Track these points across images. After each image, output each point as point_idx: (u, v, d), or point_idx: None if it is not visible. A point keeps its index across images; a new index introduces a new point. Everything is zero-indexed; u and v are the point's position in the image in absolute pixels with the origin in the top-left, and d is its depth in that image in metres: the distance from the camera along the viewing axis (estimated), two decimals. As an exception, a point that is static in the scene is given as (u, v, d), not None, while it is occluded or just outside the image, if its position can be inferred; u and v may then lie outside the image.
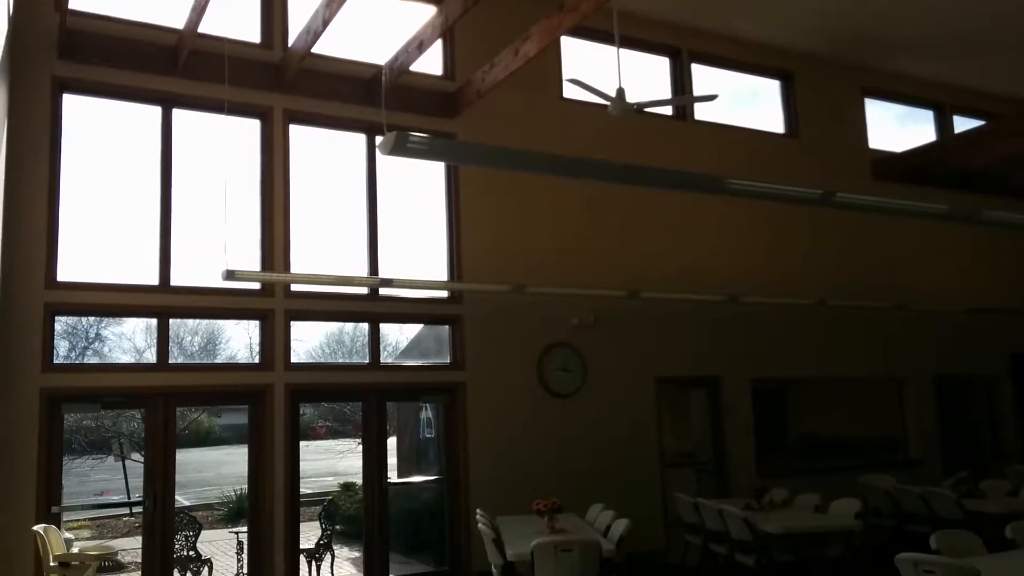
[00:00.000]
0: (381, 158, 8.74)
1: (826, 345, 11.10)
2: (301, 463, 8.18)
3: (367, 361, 8.51)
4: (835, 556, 7.01)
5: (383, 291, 8.56)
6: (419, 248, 9.08)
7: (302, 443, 8.30)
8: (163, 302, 7.61)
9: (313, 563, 8.45)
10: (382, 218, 8.74)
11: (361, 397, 8.62)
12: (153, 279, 7.65)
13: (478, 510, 7.34)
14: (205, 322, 13.05)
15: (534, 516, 6.90)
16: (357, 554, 9.65)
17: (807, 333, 10.94)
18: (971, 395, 12.43)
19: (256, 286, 8.01)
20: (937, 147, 11.66)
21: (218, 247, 7.15)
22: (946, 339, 11.99)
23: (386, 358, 8.66)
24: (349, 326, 9.93)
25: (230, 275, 6.87)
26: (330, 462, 19.01)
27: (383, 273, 8.52)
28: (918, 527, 8.38)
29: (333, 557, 8.90)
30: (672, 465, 11.90)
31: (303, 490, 9.83)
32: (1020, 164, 11.60)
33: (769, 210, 10.82)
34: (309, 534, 8.92)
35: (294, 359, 8.08)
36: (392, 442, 11.96)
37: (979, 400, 12.43)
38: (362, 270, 8.55)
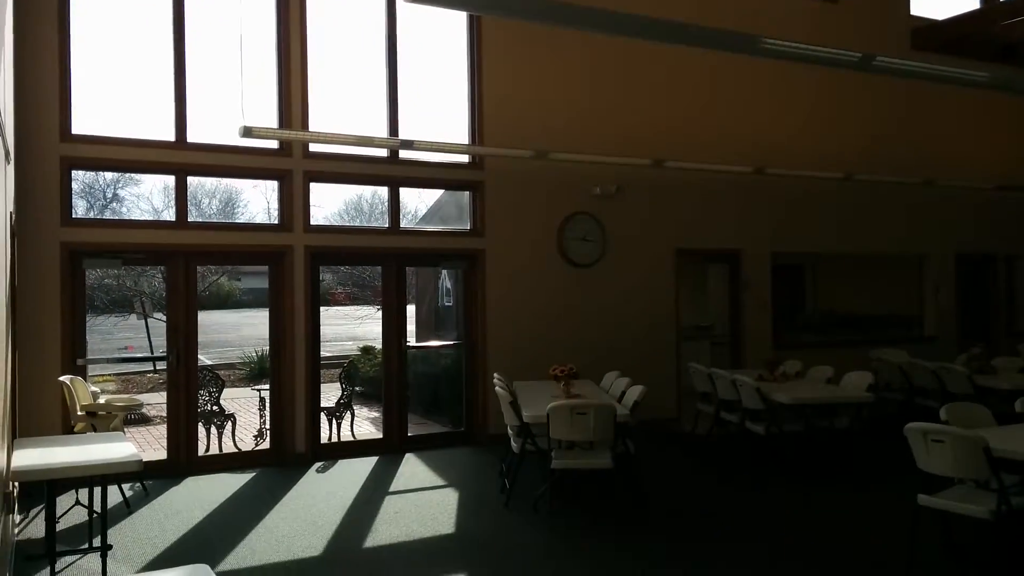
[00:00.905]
0: (402, 10, 8.41)
1: (849, 220, 10.98)
2: (324, 327, 8.30)
3: (387, 226, 8.48)
4: (844, 427, 7.14)
5: (403, 154, 8.42)
6: (440, 111, 8.86)
7: (323, 308, 8.39)
8: (180, 159, 7.52)
9: (333, 421, 8.73)
10: (403, 78, 8.48)
11: (380, 262, 8.64)
12: (169, 135, 7.54)
13: (496, 374, 7.47)
14: (223, 185, 12.98)
15: (550, 381, 7.04)
16: (376, 414, 9.97)
17: (830, 208, 10.80)
18: (991, 273, 12.35)
19: (274, 145, 7.89)
20: (979, 15, 11.08)
21: (235, 105, 7.01)
22: (970, 216, 11.84)
23: (406, 224, 8.60)
24: (368, 193, 9.87)
25: (247, 132, 6.75)
26: (350, 327, 19.40)
27: (403, 135, 8.35)
28: (928, 401, 8.51)
29: (353, 416, 9.20)
30: (689, 338, 12.07)
31: (324, 354, 10.06)
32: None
33: (798, 81, 10.47)
34: (330, 394, 9.19)
35: (313, 223, 8.07)
36: (411, 309, 12.12)
37: (998, 278, 12.35)
38: (382, 132, 8.39)
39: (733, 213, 10.17)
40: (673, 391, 9.82)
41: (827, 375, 7.90)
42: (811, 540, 5.39)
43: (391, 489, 6.95)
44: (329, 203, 9.05)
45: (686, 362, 9.31)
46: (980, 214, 11.92)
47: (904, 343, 10.91)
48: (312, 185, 8.05)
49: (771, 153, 10.01)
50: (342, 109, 8.35)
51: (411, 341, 9.38)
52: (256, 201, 8.28)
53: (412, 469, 7.68)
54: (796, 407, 7.05)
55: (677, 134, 9.65)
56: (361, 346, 12.87)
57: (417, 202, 9.67)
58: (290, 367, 7.92)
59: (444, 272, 10.58)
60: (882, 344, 10.63)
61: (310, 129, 7.93)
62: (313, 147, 8.01)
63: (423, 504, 6.45)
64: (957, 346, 11.29)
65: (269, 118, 7.92)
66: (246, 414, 10.48)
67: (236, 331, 21.12)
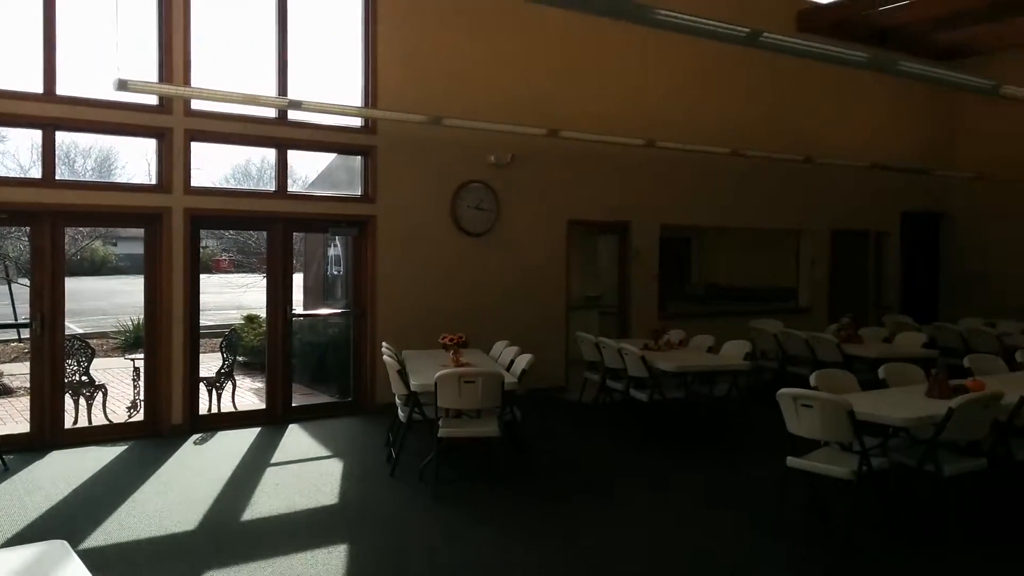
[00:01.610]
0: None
1: (733, 195, 11.35)
2: (205, 295, 7.96)
3: (273, 189, 8.18)
4: (722, 394, 7.41)
5: (292, 116, 8.11)
6: (333, 72, 8.59)
7: (206, 276, 8.03)
8: (48, 112, 7.00)
9: (213, 391, 8.43)
10: (293, 37, 8.14)
11: (266, 226, 8.33)
12: (37, 87, 7.00)
13: (384, 343, 7.37)
14: (98, 144, 12.21)
15: (440, 350, 6.98)
16: (260, 384, 9.67)
17: (716, 183, 11.13)
18: (862, 249, 13.05)
19: (153, 100, 7.45)
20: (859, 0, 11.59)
21: (110, 56, 6.56)
22: (845, 194, 12.44)
23: (294, 188, 8.31)
24: (256, 159, 9.49)
25: (122, 85, 6.33)
26: (235, 295, 18.73)
27: (292, 95, 8.04)
28: (801, 369, 8.92)
29: (234, 386, 8.90)
30: (578, 308, 12.25)
31: (207, 322, 9.65)
32: (939, 22, 11.69)
33: (690, 57, 10.68)
34: (211, 364, 8.85)
35: (194, 185, 7.68)
36: (299, 277, 11.81)
37: (869, 254, 13.07)
38: (270, 91, 8.04)
39: (624, 185, 10.34)
40: (562, 360, 9.96)
41: (708, 344, 8.16)
42: (688, 500, 5.58)
43: (273, 460, 6.77)
44: (214, 168, 8.64)
45: (575, 332, 9.44)
46: (854, 192, 12.55)
47: (781, 314, 11.41)
48: (197, 146, 7.65)
49: (662, 127, 10.19)
50: (228, 66, 7.96)
51: (297, 309, 9.13)
52: (136, 163, 7.79)
53: (296, 440, 7.50)
54: (678, 375, 7.26)
55: (572, 105, 9.69)
56: (245, 315, 12.46)
57: (308, 169, 9.40)
58: (166, 336, 7.56)
59: (338, 238, 10.32)
60: (760, 315, 11.08)
61: (192, 85, 7.53)
62: (196, 105, 7.61)
63: (306, 475, 6.31)
64: (828, 317, 11.90)
65: (149, 72, 7.46)
66: (120, 385, 9.99)
67: (111, 299, 20.04)
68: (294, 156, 8.29)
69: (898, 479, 5.07)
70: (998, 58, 12.74)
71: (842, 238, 12.71)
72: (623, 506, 5.50)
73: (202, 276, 7.98)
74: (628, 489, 5.93)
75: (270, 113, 8.03)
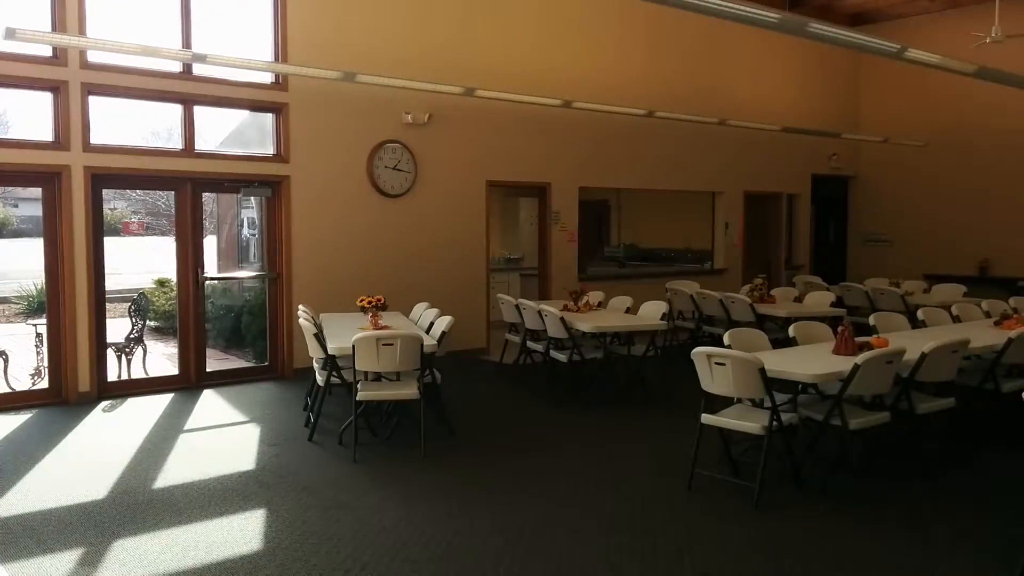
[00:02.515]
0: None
1: (650, 157, 11.47)
2: (115, 259, 7.61)
3: (180, 147, 7.84)
4: (640, 354, 7.53)
5: (199, 71, 7.76)
6: (242, 25, 8.24)
7: (116, 238, 7.68)
8: (-75, 63, 6.52)
9: (123, 357, 8.12)
10: (195, -15, 7.77)
11: (174, 186, 7.99)
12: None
13: (300, 306, 7.20)
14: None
15: (358, 313, 6.88)
16: (174, 350, 9.37)
17: (634, 145, 11.22)
18: (774, 210, 13.41)
19: (46, 52, 7.01)
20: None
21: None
22: (758, 156, 12.73)
23: (203, 147, 7.97)
24: (163, 121, 9.03)
25: (10, 34, 5.91)
26: (146, 260, 18.05)
27: (197, 49, 7.68)
28: (716, 329, 9.16)
29: (145, 352, 8.60)
30: (499, 270, 12.28)
31: (116, 287, 9.23)
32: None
33: (607, 17, 10.68)
34: (122, 330, 8.52)
35: (95, 143, 7.29)
36: (213, 239, 11.43)
37: (780, 216, 13.43)
38: (174, 44, 7.66)
39: (543, 147, 10.31)
40: (483, 322, 9.96)
41: (626, 305, 8.27)
42: (603, 458, 5.68)
43: (186, 427, 6.58)
44: (116, 129, 8.16)
45: (496, 294, 9.44)
46: (767, 154, 12.85)
47: (697, 275, 11.68)
48: (101, 103, 7.26)
49: (579, 87, 10.17)
50: (129, 18, 7.55)
51: (211, 272, 8.84)
52: (36, 121, 7.26)
53: (210, 405, 7.31)
54: (597, 335, 7.34)
55: (490, 64, 9.57)
56: (156, 279, 12.02)
57: (220, 127, 9.01)
58: (69, 300, 7.22)
59: (252, 200, 10.00)
60: (677, 276, 11.31)
61: (88, 36, 7.10)
62: (93, 57, 7.20)
63: (221, 441, 6.16)
64: (742, 278, 12.22)
65: (41, 21, 7.00)
66: (22, 352, 9.52)
67: (12, 263, 19.03)
68: (202, 113, 7.94)
69: (807, 433, 5.26)
70: (904, 23, 13.15)
71: (755, 199, 13.02)
72: (542, 464, 5.55)
73: (111, 239, 7.62)
74: (545, 449, 5.99)
75: (174, 67, 7.66)
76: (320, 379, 6.16)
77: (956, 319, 7.43)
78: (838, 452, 5.34)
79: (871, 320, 6.78)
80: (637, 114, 10.30)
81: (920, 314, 7.23)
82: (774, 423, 4.72)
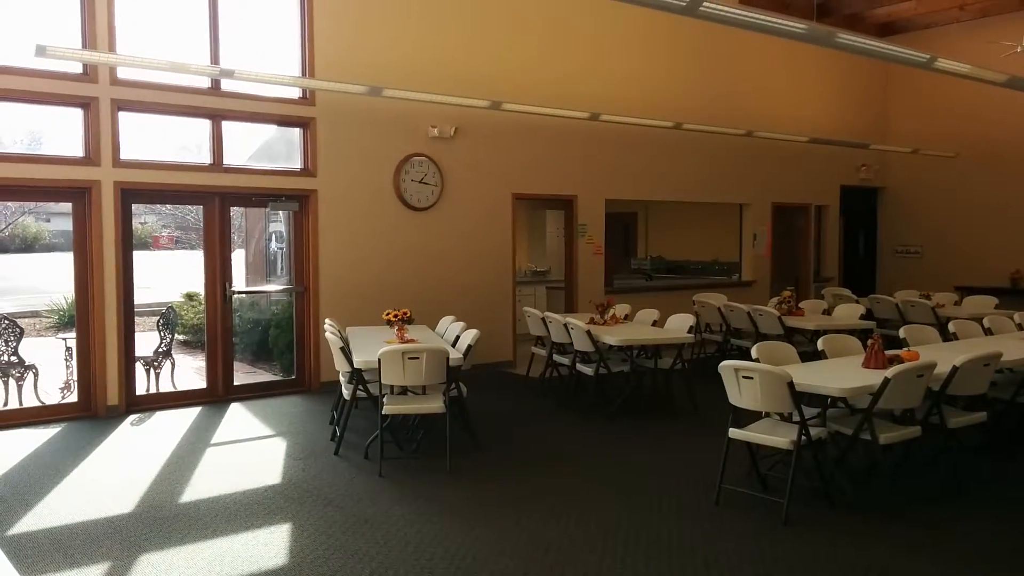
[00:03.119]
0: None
1: (678, 169, 11.41)
2: (144, 273, 7.70)
3: (209, 162, 7.93)
4: (667, 367, 7.47)
5: (227, 86, 7.86)
6: (269, 41, 8.34)
7: (145, 252, 7.78)
8: (-38, 82, 6.66)
9: (152, 371, 8.20)
10: (226, 0, 7.87)
11: (202, 201, 8.09)
12: (-53, 54, 6.65)
13: (327, 319, 7.24)
14: (20, 115, 11.69)
15: (384, 327, 6.90)
16: (201, 363, 9.45)
17: (661, 156, 11.18)
18: (803, 222, 13.27)
19: (77, 68, 7.14)
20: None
21: (29, 21, 6.25)
22: (786, 167, 12.62)
23: (231, 162, 8.06)
24: (192, 136, 9.16)
25: (42, 51, 6.03)
26: (175, 273, 18.28)
27: (225, 64, 7.78)
28: (744, 342, 9.06)
29: (173, 365, 8.68)
30: (525, 283, 12.27)
31: (147, 300, 9.31)
32: None
33: (633, 30, 10.67)
34: (150, 343, 8.61)
35: (124, 158, 7.40)
36: (240, 253, 11.55)
37: (809, 227, 13.30)
38: (202, 60, 7.77)
39: (569, 159, 10.30)
40: (509, 335, 9.94)
41: (653, 318, 8.21)
42: (630, 472, 5.62)
43: (213, 441, 6.62)
44: (155, 141, 8.26)
45: (522, 307, 9.43)
46: (795, 166, 12.74)
47: (724, 287, 11.59)
48: (130, 118, 7.38)
49: (606, 101, 10.16)
50: (157, 33, 7.67)
51: (239, 286, 8.92)
52: (67, 137, 7.36)
53: (237, 419, 7.36)
54: (623, 348, 7.29)
55: (516, 77, 9.59)
56: (185, 292, 12.15)
57: (244, 143, 9.10)
58: (99, 314, 7.31)
59: (280, 214, 10.09)
60: (705, 288, 11.22)
61: (118, 52, 7.22)
62: (123, 73, 7.32)
63: (247, 455, 6.19)
64: (771, 290, 12.10)
65: (71, 38, 7.14)
66: (53, 366, 9.64)
67: (44, 277, 19.38)
68: (230, 128, 8.03)
69: (836, 447, 5.17)
70: (934, 33, 13.00)
71: (783, 210, 12.91)
72: (568, 478, 5.51)
73: (141, 253, 7.72)
74: (572, 463, 5.94)
75: (203, 83, 7.76)
76: (346, 393, 6.18)
77: (988, 331, 7.29)
78: (868, 467, 5.25)
79: (901, 333, 6.67)
80: (664, 126, 10.27)
81: (951, 327, 7.10)
82: (803, 438, 4.65)
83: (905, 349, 5.72)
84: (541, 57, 9.91)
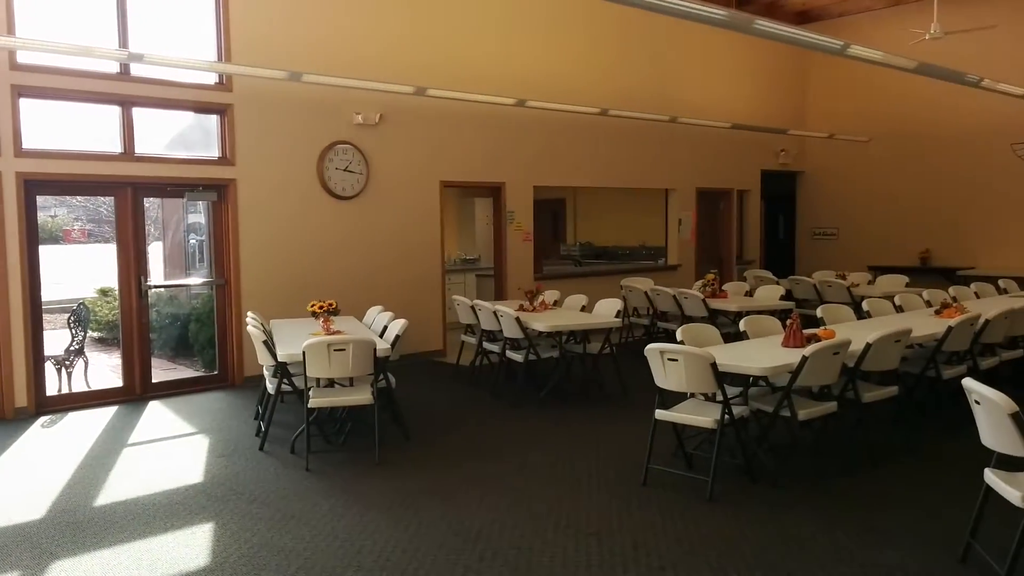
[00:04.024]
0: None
1: (605, 155, 11.50)
2: (55, 268, 7.36)
3: (119, 151, 7.61)
4: (595, 351, 7.53)
5: (136, 71, 7.55)
6: (182, 23, 8.04)
7: (56, 247, 7.44)
8: None
9: (63, 370, 7.87)
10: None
11: (113, 192, 7.76)
12: None
13: (249, 312, 7.05)
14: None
15: (309, 319, 6.76)
16: (118, 361, 9.12)
17: (588, 143, 11.24)
18: (726, 206, 13.55)
19: (-30, 55, 6.75)
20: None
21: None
22: (709, 153, 12.85)
23: (143, 151, 7.75)
24: (101, 124, 8.79)
25: (-70, 37, 5.68)
26: (89, 268, 17.58)
27: (135, 48, 7.46)
28: (670, 325, 9.21)
29: (87, 364, 8.35)
30: (454, 271, 12.20)
31: (58, 296, 8.92)
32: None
33: (560, 15, 10.68)
34: (62, 342, 8.26)
35: (27, 147, 7.04)
36: (159, 247, 11.17)
37: (731, 211, 13.58)
38: (111, 44, 7.44)
39: (497, 146, 10.27)
40: (439, 324, 9.88)
41: (581, 304, 8.26)
42: (560, 457, 5.65)
43: (131, 441, 6.39)
44: (62, 129, 7.87)
45: (452, 295, 9.37)
46: (718, 151, 12.98)
47: (651, 272, 11.75)
48: (33, 105, 7.02)
49: (532, 86, 10.15)
50: (61, 15, 7.31)
51: (156, 280, 8.63)
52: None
53: (157, 417, 7.12)
54: (552, 334, 7.32)
55: (441, 63, 9.48)
56: (99, 288, 11.69)
57: (163, 129, 8.78)
58: (3, 312, 6.96)
59: (199, 204, 9.76)
60: (632, 273, 11.36)
61: (17, 36, 6.86)
62: (23, 58, 6.95)
63: (167, 454, 5.99)
64: (695, 273, 12.34)
65: (-36, 21, 6.75)
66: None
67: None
68: (142, 115, 7.73)
69: (758, 425, 5.30)
70: (847, 21, 13.39)
71: (707, 195, 13.14)
72: (499, 466, 5.50)
73: (50, 247, 7.37)
74: (500, 449, 5.94)
75: (111, 68, 7.44)
76: (271, 387, 6.03)
77: (899, 309, 7.57)
78: (788, 443, 5.40)
79: (818, 312, 6.86)
80: (590, 112, 10.32)
81: (865, 305, 7.35)
82: (726, 417, 4.74)
83: (822, 328, 5.89)
84: (467, 42, 9.83)
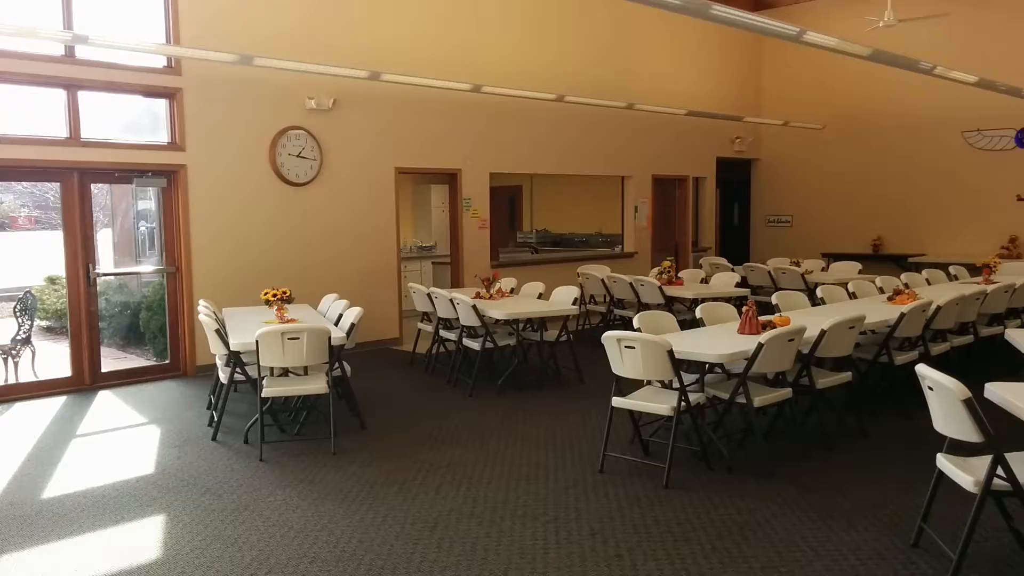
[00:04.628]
0: None
1: (561, 142, 11.48)
2: (1, 256, 7.11)
3: (65, 135, 7.38)
4: (552, 339, 7.54)
5: (82, 53, 7.32)
6: (130, 4, 7.81)
7: (1, 233, 7.19)
8: None
9: (10, 360, 7.66)
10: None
11: (59, 178, 7.53)
12: None
13: (201, 301, 6.92)
14: None
15: (263, 307, 6.65)
16: (67, 350, 8.89)
17: (545, 129, 11.21)
18: (682, 193, 13.65)
19: (-95, 34, 6.48)
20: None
21: None
22: (666, 140, 12.92)
23: (90, 135, 7.53)
24: (46, 108, 8.52)
25: None
26: (37, 255, 17.08)
27: (80, 30, 7.23)
28: (627, 312, 9.26)
29: (34, 353, 8.13)
30: (410, 258, 12.12)
31: (4, 284, 8.65)
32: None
33: (515, 1, 10.61)
34: (8, 331, 8.03)
35: (-34, 129, 6.81)
36: (108, 234, 10.90)
37: (687, 198, 13.68)
38: (55, 25, 7.20)
39: (453, 132, 10.19)
40: (395, 312, 9.81)
41: (538, 291, 8.26)
42: (517, 445, 5.65)
43: (80, 431, 6.24)
44: (6, 113, 7.59)
45: (408, 283, 9.30)
46: (674, 139, 13.05)
47: (608, 259, 11.80)
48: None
49: (488, 72, 10.08)
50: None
51: (105, 267, 8.42)
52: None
53: (107, 407, 6.96)
54: (509, 322, 7.31)
55: (396, 47, 9.37)
56: (47, 276, 11.37)
57: (111, 113, 8.54)
58: (-55, 301, 6.73)
59: (149, 191, 9.51)
60: (589, 260, 11.39)
61: (-46, 15, 6.60)
62: (-39, 38, 6.70)
63: (117, 444, 5.86)
64: (652, 260, 12.42)
65: None
66: None
67: None
68: (89, 99, 7.50)
69: (714, 412, 5.35)
70: (802, 8, 13.54)
71: (663, 183, 13.22)
72: (456, 454, 5.49)
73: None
74: (461, 438, 5.92)
75: (56, 50, 7.20)
76: (223, 376, 5.93)
77: (852, 296, 7.69)
78: (744, 429, 5.46)
79: (773, 299, 6.94)
80: (547, 99, 10.28)
81: (819, 292, 7.45)
82: (682, 404, 4.78)
83: (777, 315, 5.96)
84: (422, 27, 9.72)
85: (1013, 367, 7.20)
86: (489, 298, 7.82)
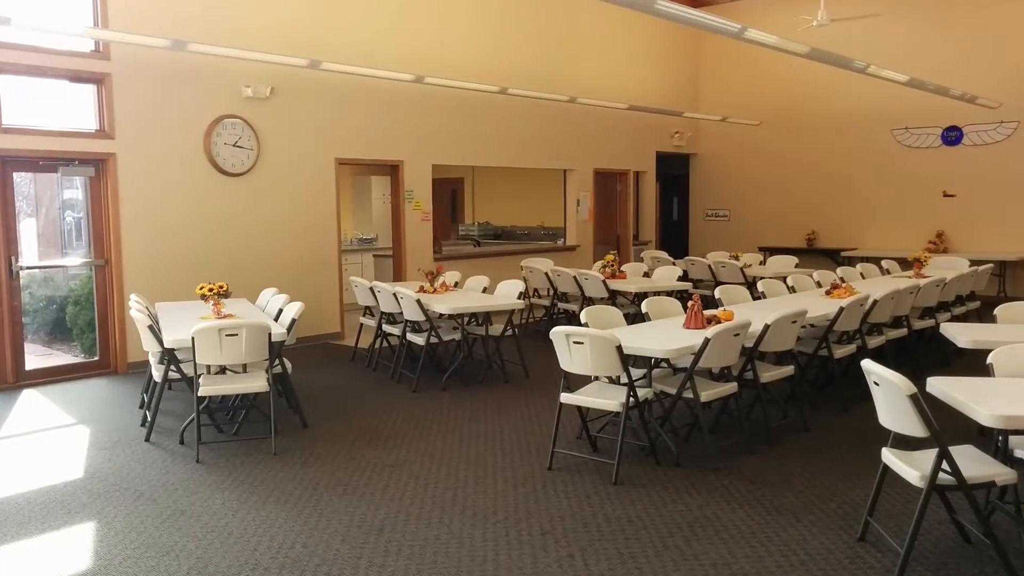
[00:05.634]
0: None
1: (504, 135, 11.42)
2: None
3: (-17, 122, 7.01)
4: (497, 333, 7.48)
5: (3, 36, 6.93)
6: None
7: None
8: None
9: (-77, 358, 7.22)
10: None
11: (-23, 165, 7.15)
12: None
13: (133, 295, 6.64)
14: None
15: (198, 302, 6.43)
16: (-14, 346, 8.46)
17: (488, 122, 11.13)
18: (623, 187, 13.73)
19: None
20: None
21: None
22: (607, 134, 12.97)
23: (11, 122, 7.15)
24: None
25: None
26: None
27: (2, 11, 6.85)
28: (570, 305, 9.26)
29: (-49, 350, 7.69)
30: (351, 251, 11.91)
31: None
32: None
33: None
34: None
35: None
36: (32, 224, 10.41)
37: (628, 192, 13.78)
38: (-32, 5, 6.81)
39: (395, 123, 10.02)
40: (336, 306, 9.62)
41: (483, 285, 8.19)
42: (464, 443, 5.57)
43: (2, 434, 5.93)
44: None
45: (349, 276, 9.13)
46: (615, 133, 13.11)
47: (550, 252, 11.80)
48: None
49: (431, 63, 9.95)
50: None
51: (29, 260, 8.02)
52: None
53: (31, 407, 6.64)
54: (454, 316, 7.21)
55: (336, 35, 9.16)
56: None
57: (37, 99, 8.13)
58: None
59: (75, 180, 9.10)
60: (532, 254, 11.37)
61: None
62: None
63: (43, 447, 5.59)
64: (594, 254, 12.47)
65: None
66: None
67: None
68: (11, 84, 7.12)
69: (661, 407, 5.37)
70: (740, 6, 13.74)
71: (604, 177, 13.28)
72: (401, 453, 5.38)
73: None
74: (406, 435, 5.82)
75: (-26, 31, 6.82)
76: (157, 374, 5.70)
77: (791, 289, 7.82)
78: (690, 424, 5.49)
79: (716, 294, 7.01)
80: (490, 91, 10.20)
81: (760, 286, 7.55)
82: (630, 399, 4.77)
83: (721, 309, 6.00)
84: (363, 15, 9.52)
85: (944, 358, 7.44)
86: (433, 292, 7.71)
